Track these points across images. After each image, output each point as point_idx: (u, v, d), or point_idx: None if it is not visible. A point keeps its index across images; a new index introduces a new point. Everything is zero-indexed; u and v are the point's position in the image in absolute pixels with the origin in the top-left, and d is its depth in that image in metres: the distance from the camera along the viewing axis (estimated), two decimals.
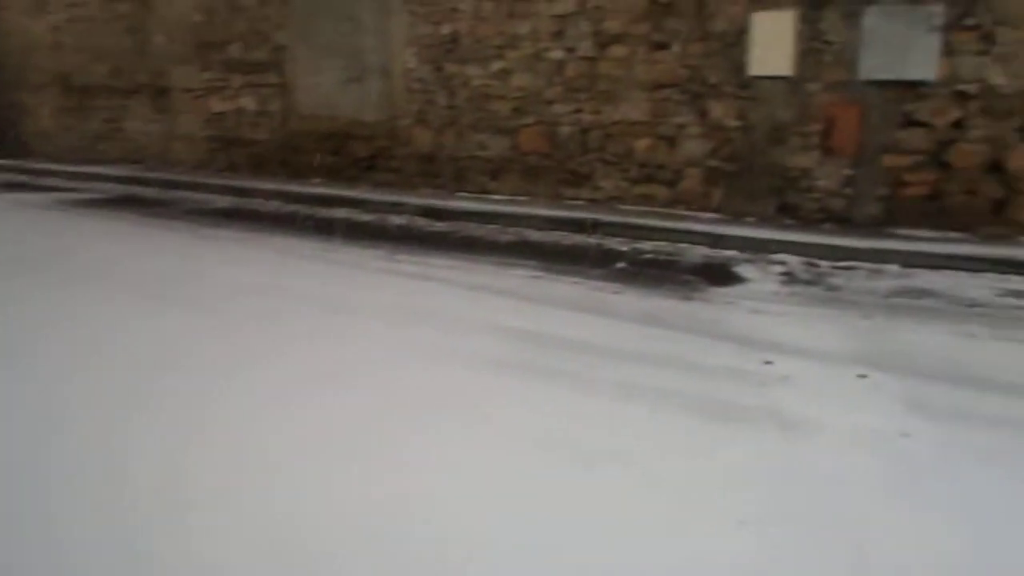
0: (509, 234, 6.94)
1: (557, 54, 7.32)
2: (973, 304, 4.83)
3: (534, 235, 6.87)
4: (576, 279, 5.57)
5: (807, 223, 6.46)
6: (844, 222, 6.33)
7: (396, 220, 7.57)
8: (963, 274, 5.35)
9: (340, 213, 7.93)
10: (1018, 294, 4.95)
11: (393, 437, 3.27)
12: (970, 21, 5.77)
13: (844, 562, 2.42)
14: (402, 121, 8.34)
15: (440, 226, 7.31)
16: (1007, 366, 3.83)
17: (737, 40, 6.50)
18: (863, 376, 3.75)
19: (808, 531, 2.58)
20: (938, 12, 5.81)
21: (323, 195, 8.32)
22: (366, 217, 7.74)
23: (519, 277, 5.66)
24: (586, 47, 7.15)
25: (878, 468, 2.94)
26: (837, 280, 5.41)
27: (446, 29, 7.87)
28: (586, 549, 2.54)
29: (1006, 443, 3.07)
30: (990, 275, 5.28)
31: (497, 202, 7.65)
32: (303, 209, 8.18)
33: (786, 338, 4.32)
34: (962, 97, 5.87)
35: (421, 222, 7.47)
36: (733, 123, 6.64)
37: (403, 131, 8.36)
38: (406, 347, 4.27)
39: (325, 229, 7.34)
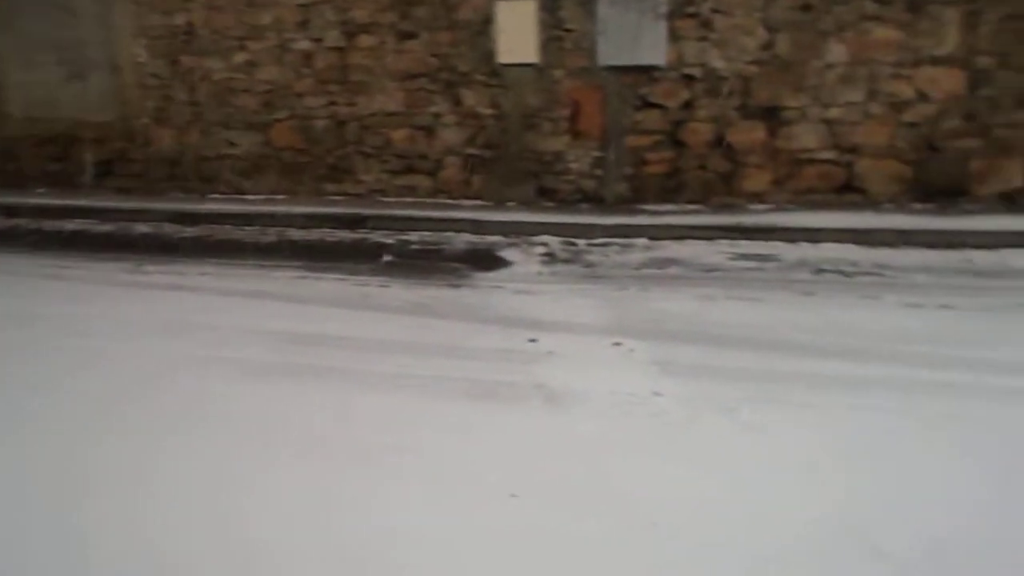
0: (269, 235, 6.62)
1: (304, 45, 7.05)
2: (711, 269, 5.27)
3: (296, 234, 6.60)
4: (342, 276, 5.42)
5: (564, 204, 6.73)
6: (597, 201, 6.67)
7: (141, 228, 6.96)
8: (701, 243, 5.81)
9: (73, 224, 7.15)
10: (747, 257, 5.47)
11: (164, 456, 3.00)
12: (690, 9, 6.27)
13: (604, 522, 2.52)
14: (138, 120, 7.66)
15: (192, 231, 6.82)
16: (740, 322, 4.21)
17: (483, 29, 6.62)
18: (618, 344, 3.95)
19: (575, 496, 2.67)
20: (662, 1, 6.26)
21: (51, 206, 7.45)
22: (106, 227, 7.04)
23: (282, 279, 5.42)
24: (334, 37, 6.95)
25: (635, 428, 3.11)
26: (593, 257, 5.68)
27: (179, 19, 7.31)
28: (366, 541, 2.47)
29: (745, 392, 3.36)
30: (723, 242, 5.78)
31: (254, 202, 7.26)
32: (27, 223, 7.28)
33: (549, 315, 4.47)
34: (689, 80, 6.37)
35: (170, 228, 6.92)
36: (487, 111, 6.76)
37: (140, 131, 7.68)
38: (163, 361, 3.94)
39: (57, 243, 6.59)
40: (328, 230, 6.63)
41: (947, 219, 5.77)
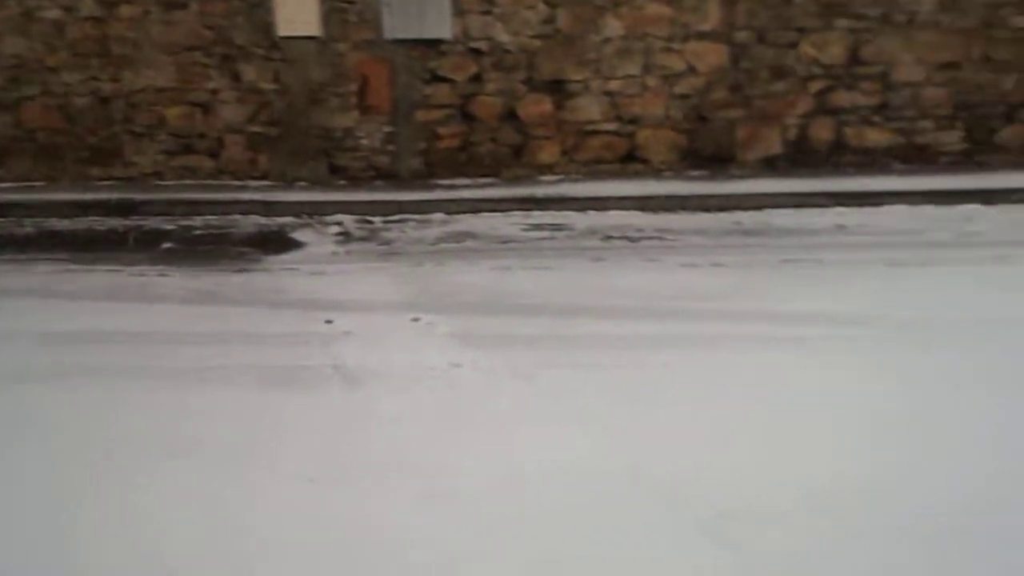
0: (26, 226, 5.94)
1: (54, 14, 6.32)
2: (506, 241, 5.35)
3: (60, 223, 5.97)
4: (115, 267, 4.98)
5: (358, 182, 6.56)
6: (391, 178, 6.56)
7: None
8: (497, 215, 5.88)
9: None
10: (540, 227, 5.60)
11: None
12: None
13: (405, 497, 2.48)
14: None
15: None
16: (535, 291, 4.31)
17: (260, 0, 6.27)
18: (417, 319, 3.91)
19: (376, 474, 2.61)
20: None
21: None
22: None
23: (45, 273, 4.90)
24: (89, 6, 6.29)
25: (436, 401, 3.10)
26: (390, 234, 5.59)
27: None
28: (157, 541, 2.30)
29: (541, 357, 3.43)
30: (517, 213, 5.88)
31: (5, 190, 6.47)
32: None
33: (346, 295, 4.35)
34: (476, 54, 6.40)
35: None
36: (269, 86, 6.42)
37: None
38: None
39: None
40: (97, 218, 6.04)
41: (718, 184, 6.22)
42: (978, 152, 6.66)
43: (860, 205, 5.86)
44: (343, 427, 2.93)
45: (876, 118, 6.59)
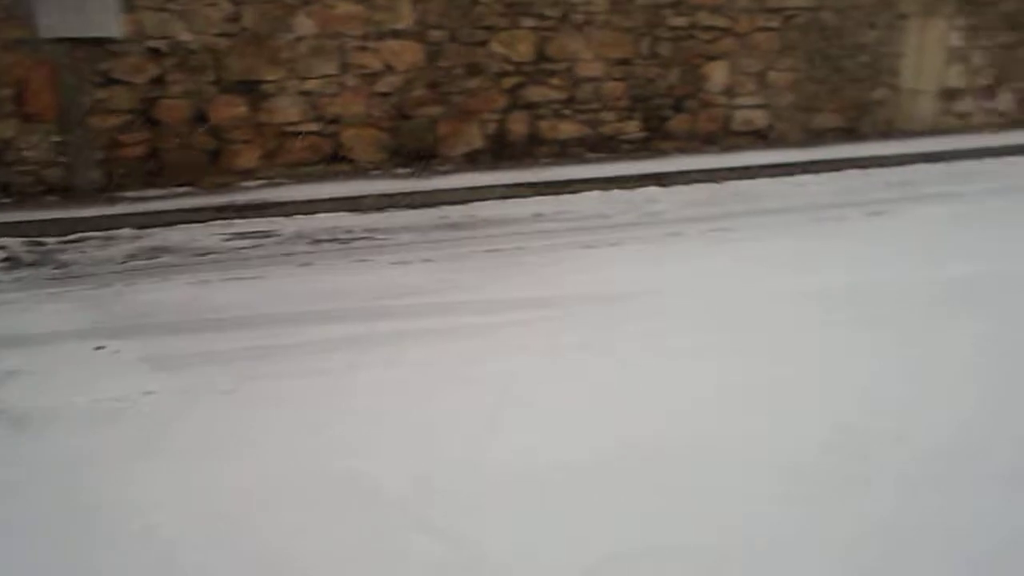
0: None
1: None
2: (206, 252, 4.98)
3: None
4: None
5: (25, 199, 5.75)
6: (66, 192, 5.83)
7: None
8: (194, 226, 5.45)
9: None
10: (243, 235, 5.28)
11: None
12: None
13: (97, 546, 2.19)
14: None
15: None
16: (238, 303, 4.03)
17: None
18: (101, 348, 3.50)
19: (55, 529, 2.27)
20: None
21: None
22: None
23: None
24: None
25: (123, 434, 2.77)
26: (68, 255, 4.97)
27: None
28: None
29: (243, 372, 3.22)
30: (217, 223, 5.50)
31: None
32: None
33: (12, 330, 3.79)
34: (156, 54, 5.87)
35: None
36: None
37: None
38: None
39: None
40: None
41: (424, 180, 6.29)
42: (653, 140, 7.39)
43: (557, 193, 6.23)
44: (10, 482, 2.53)
45: (566, 111, 7.05)
